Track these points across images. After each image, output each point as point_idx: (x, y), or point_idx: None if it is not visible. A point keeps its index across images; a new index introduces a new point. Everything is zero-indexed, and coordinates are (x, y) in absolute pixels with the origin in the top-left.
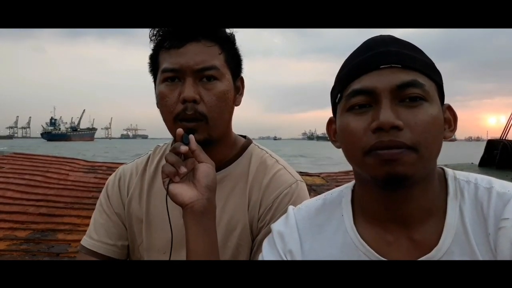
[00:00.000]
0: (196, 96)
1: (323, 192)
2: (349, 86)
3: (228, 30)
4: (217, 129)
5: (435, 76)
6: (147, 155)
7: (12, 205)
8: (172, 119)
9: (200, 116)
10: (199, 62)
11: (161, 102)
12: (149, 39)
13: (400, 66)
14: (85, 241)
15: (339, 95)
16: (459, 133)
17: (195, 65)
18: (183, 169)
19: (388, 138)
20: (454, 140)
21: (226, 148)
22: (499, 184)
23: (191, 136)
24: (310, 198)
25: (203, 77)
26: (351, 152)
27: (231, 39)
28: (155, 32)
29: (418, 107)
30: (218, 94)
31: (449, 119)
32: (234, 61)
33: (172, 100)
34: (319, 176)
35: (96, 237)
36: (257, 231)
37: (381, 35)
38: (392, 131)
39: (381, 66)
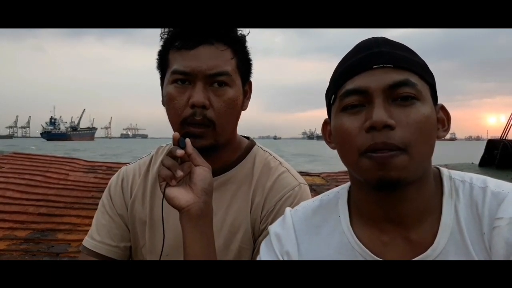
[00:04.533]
0: (205, 102)
1: (323, 192)
2: (343, 86)
3: (240, 31)
4: (224, 135)
5: (428, 77)
6: (149, 156)
7: (12, 205)
8: (179, 122)
9: (208, 122)
10: (212, 67)
11: (169, 104)
12: (151, 39)
13: (392, 66)
14: (87, 241)
15: (333, 96)
16: (459, 133)
17: (208, 69)
18: (179, 173)
19: (381, 140)
20: (454, 139)
21: (230, 150)
22: (493, 184)
23: (187, 140)
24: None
25: (214, 82)
26: (346, 152)
27: (242, 42)
28: (165, 30)
29: (410, 106)
30: (227, 101)
31: (443, 119)
32: (244, 66)
33: (180, 103)
34: (319, 176)
35: (98, 238)
36: (259, 233)
37: (374, 37)
38: (385, 130)
39: (373, 66)
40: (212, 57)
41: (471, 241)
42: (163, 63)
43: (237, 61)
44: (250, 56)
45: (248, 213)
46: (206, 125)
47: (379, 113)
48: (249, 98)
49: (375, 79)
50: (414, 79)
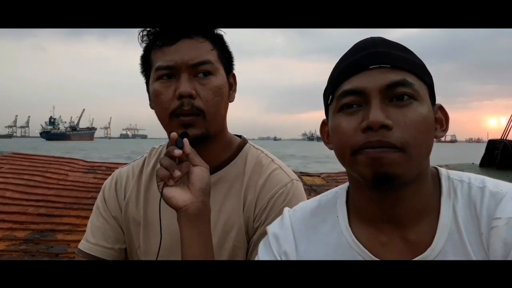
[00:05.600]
0: (192, 91)
1: (323, 192)
2: (340, 87)
3: (217, 31)
4: (214, 124)
5: (425, 77)
6: (142, 158)
7: (11, 206)
8: (168, 115)
9: (197, 111)
10: (194, 57)
11: (156, 100)
12: (144, 39)
13: (389, 66)
14: (82, 244)
15: (330, 97)
16: (460, 135)
17: (190, 60)
18: (177, 173)
19: (376, 138)
20: (455, 141)
21: (221, 148)
22: (492, 183)
23: (185, 140)
24: (310, 198)
25: (198, 73)
26: (342, 152)
27: (221, 36)
28: (145, 32)
29: (407, 106)
30: (214, 89)
31: (441, 119)
32: (226, 57)
33: (167, 97)
34: (319, 176)
35: (93, 240)
36: (253, 232)
37: (371, 37)
38: (381, 131)
39: (370, 67)
40: (193, 49)
41: (470, 241)
42: (146, 65)
43: (218, 52)
44: (230, 49)
45: (241, 212)
46: (196, 114)
47: (376, 114)
48: (235, 90)
49: (372, 79)
50: (411, 79)
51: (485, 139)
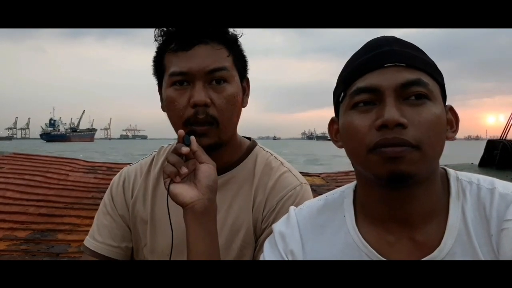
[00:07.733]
0: (207, 100)
1: (323, 193)
2: (353, 84)
3: (232, 31)
4: (227, 132)
5: (438, 76)
6: (151, 156)
7: (12, 205)
8: (182, 123)
9: (211, 120)
10: (209, 64)
11: (170, 106)
12: (151, 40)
13: (404, 65)
14: (89, 242)
15: (342, 94)
16: (459, 132)
17: (206, 67)
18: (184, 170)
19: (392, 136)
20: (454, 139)
21: (232, 150)
22: (501, 185)
23: (192, 137)
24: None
25: (213, 80)
26: (355, 150)
27: (237, 41)
28: (160, 32)
29: (422, 106)
30: (228, 97)
31: (451, 120)
32: (241, 63)
33: (181, 104)
34: (319, 176)
35: (100, 238)
36: (260, 232)
37: (384, 36)
38: (396, 129)
39: (385, 65)
40: (209, 55)
41: (478, 243)
42: (159, 68)
43: (233, 58)
44: (244, 53)
45: (250, 212)
46: (210, 123)
47: (391, 112)
48: (248, 95)
49: (387, 78)
50: (426, 78)
51: (484, 136)
